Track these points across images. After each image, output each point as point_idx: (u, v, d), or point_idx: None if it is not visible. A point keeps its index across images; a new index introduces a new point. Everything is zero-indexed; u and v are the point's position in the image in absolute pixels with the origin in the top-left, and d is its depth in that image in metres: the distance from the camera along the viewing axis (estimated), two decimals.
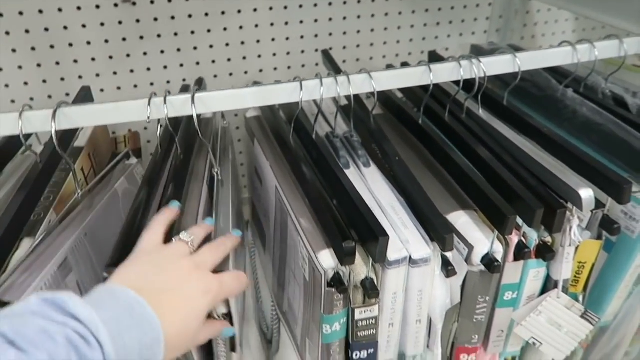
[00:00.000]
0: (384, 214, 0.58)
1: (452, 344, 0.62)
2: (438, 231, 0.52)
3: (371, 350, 0.55)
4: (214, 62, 0.90)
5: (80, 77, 0.84)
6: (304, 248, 0.56)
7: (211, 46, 0.89)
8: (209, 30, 0.87)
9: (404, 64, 0.86)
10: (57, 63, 0.81)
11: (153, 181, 0.59)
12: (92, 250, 0.58)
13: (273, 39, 0.92)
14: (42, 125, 0.50)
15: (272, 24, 0.90)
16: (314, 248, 0.53)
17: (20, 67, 0.80)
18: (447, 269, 0.55)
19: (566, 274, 0.59)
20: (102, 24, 0.81)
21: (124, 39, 0.83)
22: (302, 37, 0.93)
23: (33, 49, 0.79)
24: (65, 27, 0.79)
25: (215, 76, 0.92)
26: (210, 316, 0.49)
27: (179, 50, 0.87)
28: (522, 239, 0.57)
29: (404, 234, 0.54)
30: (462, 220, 0.58)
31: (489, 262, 0.54)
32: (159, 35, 0.85)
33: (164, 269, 0.43)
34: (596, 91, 0.74)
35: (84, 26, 0.80)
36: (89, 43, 0.81)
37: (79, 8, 0.78)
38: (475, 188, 0.57)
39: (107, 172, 0.68)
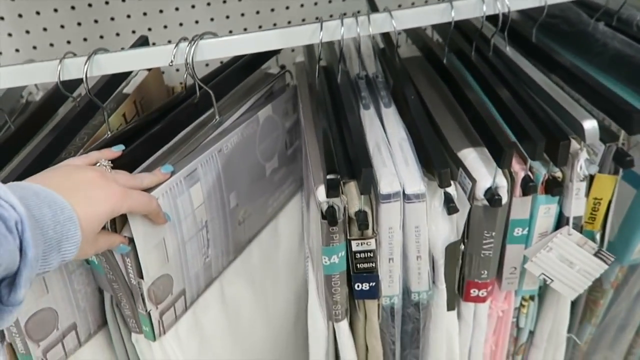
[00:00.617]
0: (389, 151, 0.59)
1: (462, 279, 0.63)
2: (436, 167, 0.53)
3: (373, 284, 0.57)
4: (242, 15, 0.93)
5: (117, 34, 0.89)
6: (312, 182, 0.58)
7: None
8: None
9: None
10: (96, 21, 0.87)
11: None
12: (221, 169, 0.61)
13: None
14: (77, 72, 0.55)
15: None
16: (315, 182, 0.56)
17: (62, 27, 0.86)
18: (449, 205, 0.55)
19: (577, 210, 0.58)
20: None
21: None
22: None
23: (73, 7, 0.85)
24: None
25: (245, 29, 0.94)
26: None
27: (208, 4, 0.90)
28: (529, 173, 0.56)
29: (403, 170, 0.56)
30: (471, 156, 0.59)
31: (491, 196, 0.55)
32: None
33: (71, 176, 0.45)
34: (630, 24, 0.70)
35: None
36: (123, 0, 0.86)
37: None
38: (482, 123, 0.57)
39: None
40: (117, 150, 0.54)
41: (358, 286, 0.57)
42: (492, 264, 0.62)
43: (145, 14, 0.89)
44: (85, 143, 0.63)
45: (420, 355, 0.65)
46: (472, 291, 0.63)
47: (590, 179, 0.58)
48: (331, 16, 0.96)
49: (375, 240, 0.55)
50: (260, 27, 0.95)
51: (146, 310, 0.56)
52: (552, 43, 0.74)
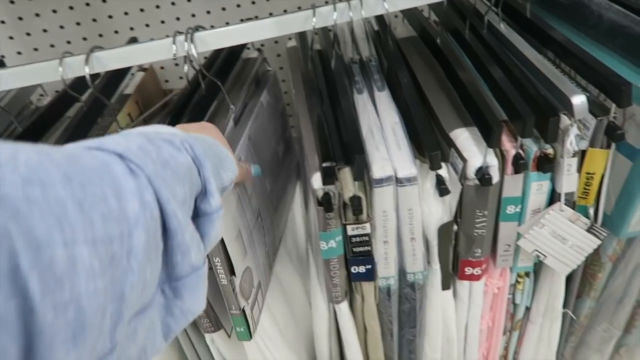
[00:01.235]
0: (382, 135, 0.60)
1: (457, 258, 0.65)
2: (427, 150, 0.54)
3: (369, 266, 0.59)
4: (238, 6, 0.94)
5: (116, 32, 0.91)
6: (307, 169, 0.60)
7: None
8: None
9: None
10: (94, 20, 0.89)
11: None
12: (254, 154, 0.63)
13: None
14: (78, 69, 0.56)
15: None
16: (311, 169, 0.57)
17: (62, 27, 0.88)
18: (441, 187, 0.57)
19: (569, 186, 0.59)
20: None
21: None
22: None
23: (71, 7, 0.87)
24: None
25: (242, 20, 0.95)
26: None
27: None
28: (520, 150, 0.57)
29: (395, 154, 0.57)
30: (463, 135, 0.59)
31: (482, 175, 0.56)
32: None
33: (212, 135, 0.46)
34: None
35: None
36: None
37: None
38: (472, 103, 0.58)
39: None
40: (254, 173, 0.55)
41: (355, 269, 0.59)
42: (486, 242, 0.63)
43: (142, 10, 0.90)
44: None
45: (417, 334, 0.67)
46: (466, 269, 0.65)
47: (582, 153, 0.58)
48: (326, 2, 0.97)
49: (370, 224, 0.57)
50: (256, 17, 0.96)
51: (240, 309, 0.56)
52: (548, 16, 0.73)
